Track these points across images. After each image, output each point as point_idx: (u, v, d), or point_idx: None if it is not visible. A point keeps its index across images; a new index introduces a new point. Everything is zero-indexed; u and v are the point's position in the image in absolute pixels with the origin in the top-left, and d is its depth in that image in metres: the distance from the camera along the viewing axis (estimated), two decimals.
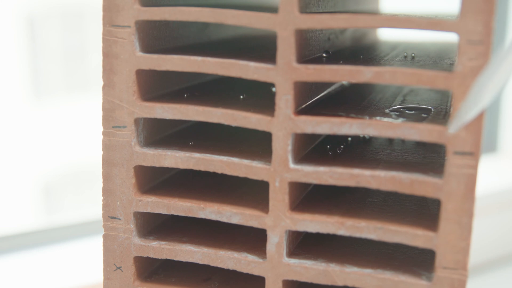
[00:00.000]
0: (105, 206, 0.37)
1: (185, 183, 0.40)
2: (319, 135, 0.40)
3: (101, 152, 0.37)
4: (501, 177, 1.00)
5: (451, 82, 0.32)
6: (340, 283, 0.35)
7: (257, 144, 0.38)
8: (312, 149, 0.38)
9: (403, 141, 0.42)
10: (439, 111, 0.37)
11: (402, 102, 0.40)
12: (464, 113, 0.31)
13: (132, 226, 0.37)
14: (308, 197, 0.37)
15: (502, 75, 0.29)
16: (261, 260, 0.36)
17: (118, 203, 0.37)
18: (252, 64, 0.34)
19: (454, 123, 0.31)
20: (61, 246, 0.73)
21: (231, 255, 0.36)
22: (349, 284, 0.35)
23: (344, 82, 0.42)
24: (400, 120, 0.34)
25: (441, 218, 0.33)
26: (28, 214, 1.36)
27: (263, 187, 0.36)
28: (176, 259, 0.37)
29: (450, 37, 0.53)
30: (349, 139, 0.41)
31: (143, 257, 0.38)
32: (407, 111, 0.37)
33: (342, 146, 0.39)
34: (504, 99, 1.05)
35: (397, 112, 0.37)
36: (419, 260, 0.36)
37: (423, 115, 0.36)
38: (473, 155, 0.32)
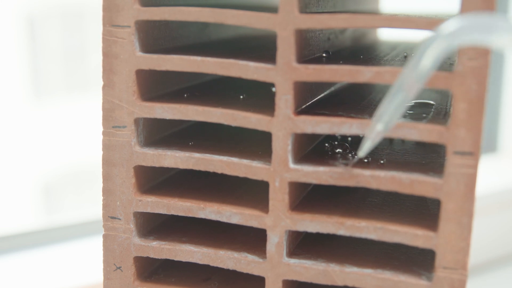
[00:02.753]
0: (105, 206, 0.37)
1: (185, 183, 0.40)
2: (319, 135, 0.40)
3: (101, 152, 0.37)
4: (501, 177, 1.00)
5: (451, 82, 0.32)
6: (340, 283, 0.35)
7: (257, 144, 0.38)
8: (312, 149, 0.38)
9: (403, 141, 0.42)
10: (439, 111, 0.37)
11: None
12: (369, 137, 0.32)
13: (132, 226, 0.37)
14: (308, 197, 0.37)
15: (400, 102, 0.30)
16: (261, 260, 0.36)
17: (118, 203, 0.37)
18: (252, 64, 0.34)
19: (363, 148, 0.33)
20: (61, 246, 0.73)
21: (231, 255, 0.36)
22: (349, 284, 0.35)
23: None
24: (400, 120, 0.34)
25: (441, 218, 0.33)
26: (28, 214, 1.36)
27: (263, 187, 0.36)
28: (176, 259, 0.37)
29: None
30: (349, 139, 0.41)
31: (143, 257, 0.38)
32: (408, 111, 0.37)
33: (350, 150, 0.39)
34: (504, 99, 1.05)
35: None
36: (419, 260, 0.36)
37: (423, 115, 0.36)
38: (473, 155, 0.32)
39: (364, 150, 0.33)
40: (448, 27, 0.28)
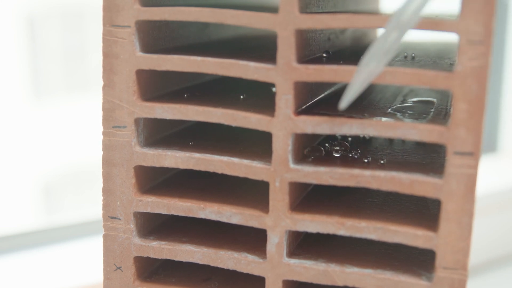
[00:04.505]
0: (105, 206, 0.37)
1: (185, 183, 0.40)
2: (319, 135, 0.40)
3: (101, 152, 0.37)
4: (501, 177, 1.00)
5: (451, 82, 0.32)
6: (340, 283, 0.35)
7: (257, 144, 0.38)
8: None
9: (403, 141, 0.42)
10: (439, 111, 0.37)
11: (402, 102, 0.40)
12: (351, 90, 0.31)
13: (132, 226, 0.37)
14: (308, 197, 0.37)
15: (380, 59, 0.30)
16: (261, 260, 0.36)
17: (118, 203, 0.37)
18: (252, 64, 0.34)
19: (344, 100, 0.31)
20: (61, 246, 0.73)
21: (231, 255, 0.36)
22: (349, 284, 0.35)
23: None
24: (400, 120, 0.34)
25: (441, 218, 0.33)
26: (28, 214, 1.36)
27: (263, 187, 0.36)
28: (176, 259, 0.37)
29: (450, 37, 0.53)
30: (349, 139, 0.41)
31: (143, 257, 0.38)
32: (408, 111, 0.37)
33: (350, 150, 0.39)
34: (504, 99, 1.05)
35: (398, 111, 0.37)
36: (419, 260, 0.36)
37: (424, 114, 0.36)
38: (473, 155, 0.32)
39: (350, 93, 0.31)
40: None
